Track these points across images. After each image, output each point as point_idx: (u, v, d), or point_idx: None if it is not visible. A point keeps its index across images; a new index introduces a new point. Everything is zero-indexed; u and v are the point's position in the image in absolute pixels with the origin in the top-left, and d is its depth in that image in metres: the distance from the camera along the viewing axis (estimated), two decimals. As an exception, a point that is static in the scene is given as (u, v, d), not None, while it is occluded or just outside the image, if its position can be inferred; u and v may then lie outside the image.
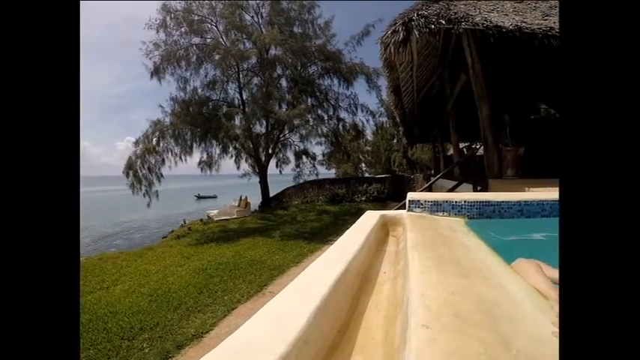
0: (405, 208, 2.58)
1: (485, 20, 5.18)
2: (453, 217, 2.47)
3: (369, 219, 2.26)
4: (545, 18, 5.70)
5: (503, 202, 2.65)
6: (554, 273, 1.15)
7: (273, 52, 17.15)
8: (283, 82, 18.06)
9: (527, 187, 3.89)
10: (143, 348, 4.03)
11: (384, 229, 2.33)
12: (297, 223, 13.08)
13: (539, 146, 9.94)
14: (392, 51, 5.45)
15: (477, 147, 8.61)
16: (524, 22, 5.28)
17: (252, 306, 5.25)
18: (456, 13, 5.32)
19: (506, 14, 5.68)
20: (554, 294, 0.99)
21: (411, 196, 2.60)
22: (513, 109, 9.92)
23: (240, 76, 17.33)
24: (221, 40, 16.44)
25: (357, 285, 1.40)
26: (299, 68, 17.23)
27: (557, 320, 0.84)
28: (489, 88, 5.97)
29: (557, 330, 0.79)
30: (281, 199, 20.16)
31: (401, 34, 5.27)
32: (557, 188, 3.62)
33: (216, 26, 16.56)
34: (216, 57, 15.85)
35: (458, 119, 9.25)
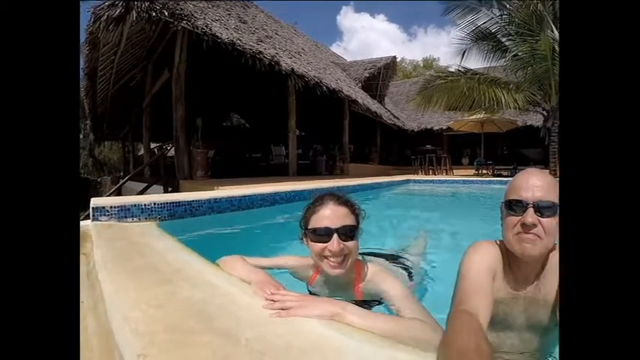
0: (90, 218, 2.22)
1: (205, 26, 5.31)
2: (143, 221, 2.36)
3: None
4: (259, 43, 6.59)
5: (194, 201, 2.76)
6: (257, 261, 1.25)
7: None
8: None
9: (217, 186, 4.27)
10: None
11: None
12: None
13: (228, 150, 11.19)
14: (102, 26, 4.74)
15: (169, 148, 8.55)
16: (240, 41, 5.84)
17: None
18: (182, 10, 5.19)
19: (227, 28, 6.07)
20: (254, 277, 1.05)
21: (95, 202, 2.31)
22: (207, 115, 10.68)
23: None
24: None
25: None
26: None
27: (266, 302, 0.88)
28: (188, 91, 6.13)
29: (274, 311, 0.83)
30: None
31: (118, 10, 4.61)
32: (242, 185, 4.19)
33: None
34: None
35: (152, 117, 8.93)
